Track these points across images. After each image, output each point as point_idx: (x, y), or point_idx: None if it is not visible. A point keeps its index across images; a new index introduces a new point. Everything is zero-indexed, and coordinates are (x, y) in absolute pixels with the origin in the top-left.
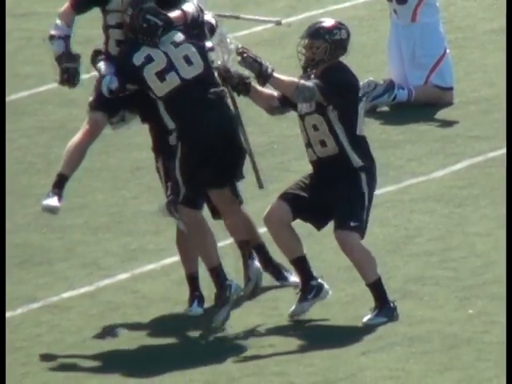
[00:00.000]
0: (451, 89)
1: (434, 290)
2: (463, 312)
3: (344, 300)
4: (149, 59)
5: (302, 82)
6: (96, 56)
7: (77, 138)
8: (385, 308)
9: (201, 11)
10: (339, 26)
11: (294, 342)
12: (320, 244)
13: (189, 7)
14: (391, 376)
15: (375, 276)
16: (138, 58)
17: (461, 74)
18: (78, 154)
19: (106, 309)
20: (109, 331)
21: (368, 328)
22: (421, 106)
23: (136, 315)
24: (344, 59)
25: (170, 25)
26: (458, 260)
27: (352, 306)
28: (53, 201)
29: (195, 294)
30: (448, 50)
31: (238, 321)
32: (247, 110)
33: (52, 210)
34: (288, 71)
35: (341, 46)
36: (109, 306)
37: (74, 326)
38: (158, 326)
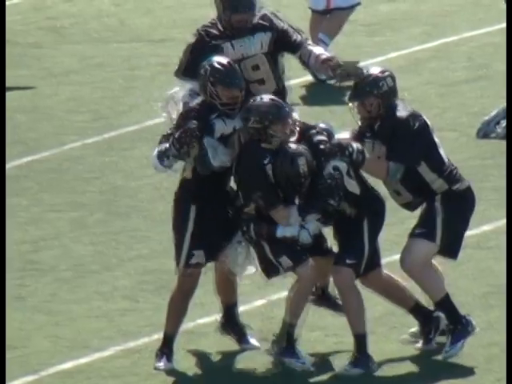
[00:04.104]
0: None
1: None
2: None
3: (480, 326)
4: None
5: (389, 165)
6: None
7: None
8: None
9: None
10: (383, 76)
11: (430, 369)
12: (455, 271)
13: None
14: None
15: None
16: None
17: None
18: None
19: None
20: (245, 357)
21: (504, 355)
22: None
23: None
24: (478, 87)
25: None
26: None
27: (487, 332)
28: None
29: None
30: None
31: (375, 348)
32: None
33: None
34: (424, 97)
35: (391, 94)
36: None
37: (209, 352)
38: None
